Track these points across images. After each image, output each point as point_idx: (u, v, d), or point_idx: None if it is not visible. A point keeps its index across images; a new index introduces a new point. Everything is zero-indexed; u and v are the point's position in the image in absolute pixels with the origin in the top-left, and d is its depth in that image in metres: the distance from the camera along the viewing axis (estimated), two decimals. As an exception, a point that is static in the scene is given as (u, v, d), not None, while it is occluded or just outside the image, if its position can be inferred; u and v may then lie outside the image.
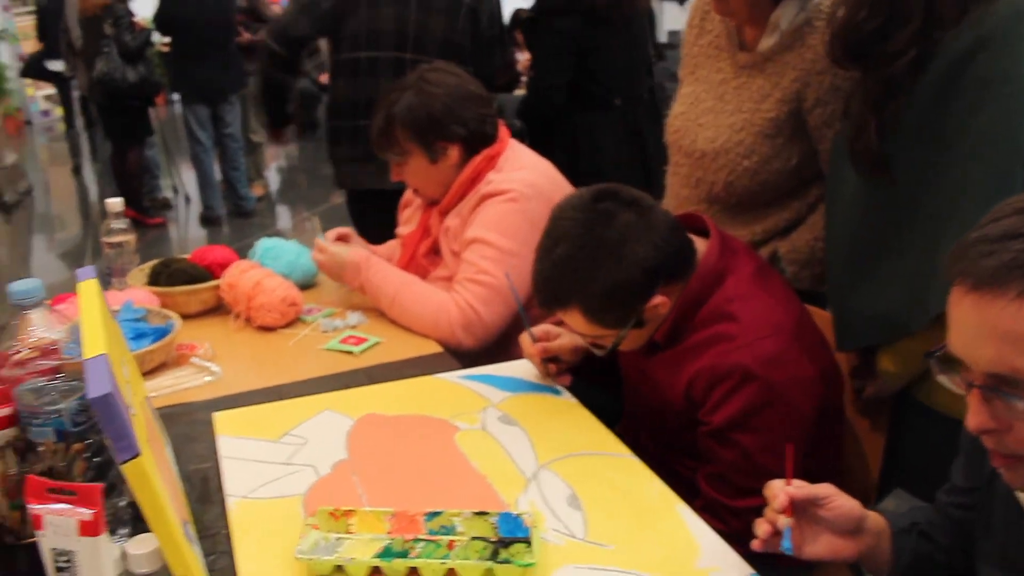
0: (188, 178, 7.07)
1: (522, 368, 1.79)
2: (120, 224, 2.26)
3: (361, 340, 1.98)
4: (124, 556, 1.13)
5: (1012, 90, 1.32)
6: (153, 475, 1.08)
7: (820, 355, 1.55)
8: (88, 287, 1.35)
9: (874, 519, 1.22)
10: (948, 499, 1.27)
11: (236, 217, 6.57)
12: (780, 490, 1.16)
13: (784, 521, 1.14)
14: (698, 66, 1.99)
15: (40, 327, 1.25)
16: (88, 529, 1.00)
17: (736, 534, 1.34)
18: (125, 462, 1.05)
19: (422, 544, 1.22)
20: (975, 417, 0.95)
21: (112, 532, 1.26)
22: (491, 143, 2.08)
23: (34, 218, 7.20)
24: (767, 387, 1.44)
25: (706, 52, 1.98)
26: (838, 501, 1.17)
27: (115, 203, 2.25)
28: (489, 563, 1.16)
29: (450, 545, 1.21)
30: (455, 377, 1.76)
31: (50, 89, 10.87)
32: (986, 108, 1.34)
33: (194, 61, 5.99)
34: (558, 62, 3.25)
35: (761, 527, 1.16)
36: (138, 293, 2.11)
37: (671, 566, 1.20)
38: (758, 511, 1.18)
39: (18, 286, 1.24)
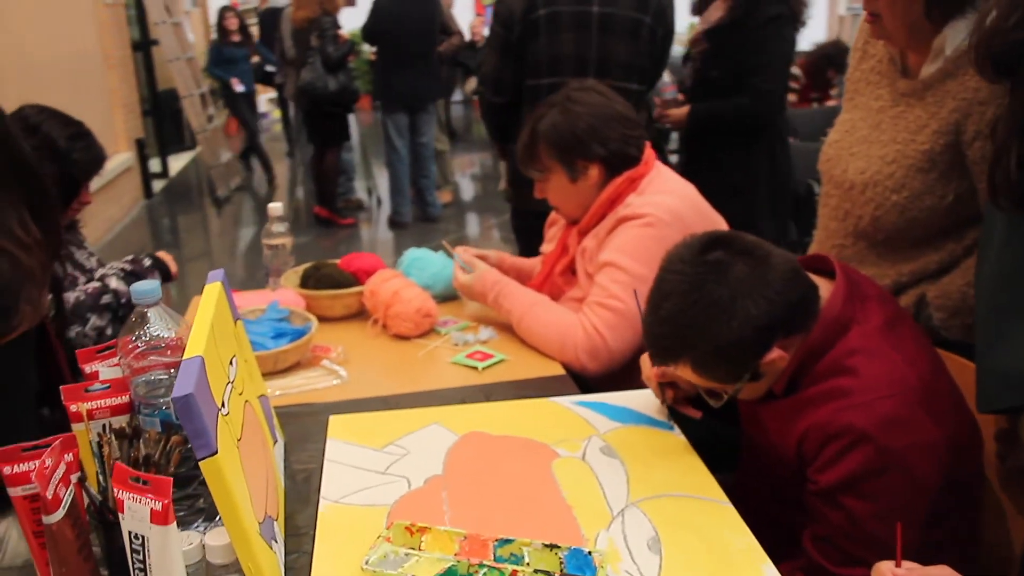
0: (382, 182, 7.38)
1: (639, 399, 1.74)
2: (280, 227, 2.39)
3: (487, 356, 2.00)
4: (203, 546, 1.19)
5: None
6: (228, 473, 1.13)
7: (951, 419, 1.42)
8: (212, 289, 1.44)
9: None
10: None
11: (423, 222, 6.80)
12: (888, 571, 1.06)
13: None
14: (858, 92, 1.88)
15: (157, 325, 1.33)
16: (158, 518, 1.06)
17: None
18: (202, 459, 1.11)
19: (486, 570, 1.21)
20: None
21: (198, 522, 1.33)
22: (634, 165, 2.05)
23: (243, 212, 7.74)
24: (882, 451, 1.33)
25: (867, 78, 1.86)
26: None
27: (276, 207, 2.38)
28: (544, 600, 1.14)
29: (512, 574, 1.20)
30: (568, 402, 1.74)
31: (272, 93, 11.64)
32: None
33: (397, 71, 6.25)
34: (786, 68, 3.42)
35: None
36: (287, 294, 2.22)
37: (740, 626, 1.13)
38: None
39: (140, 286, 1.32)
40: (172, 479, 1.07)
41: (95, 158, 2.53)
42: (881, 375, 1.37)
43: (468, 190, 8.34)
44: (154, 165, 8.69)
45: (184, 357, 1.19)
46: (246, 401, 1.40)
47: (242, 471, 1.22)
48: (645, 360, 1.70)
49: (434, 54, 6.47)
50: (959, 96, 1.64)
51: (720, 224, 2.09)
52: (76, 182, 2.39)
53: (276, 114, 11.88)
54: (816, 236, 1.96)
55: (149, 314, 1.33)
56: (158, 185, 8.59)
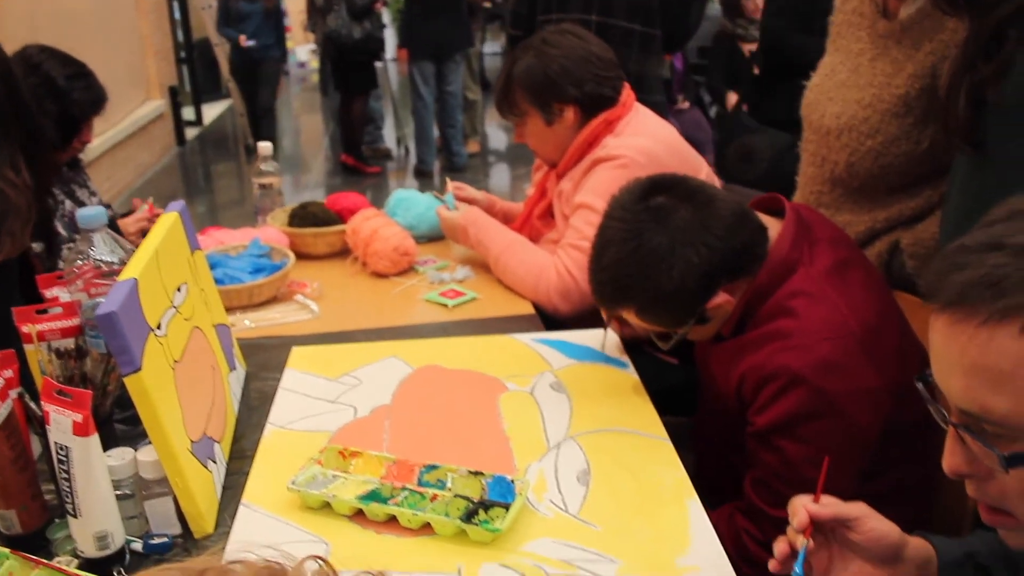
0: (412, 131, 7.39)
1: (599, 337, 1.74)
2: (269, 167, 2.41)
3: (459, 294, 2.01)
4: (135, 460, 1.23)
5: None
6: (154, 391, 1.16)
7: (896, 366, 1.39)
8: (166, 219, 1.47)
9: (918, 547, 1.06)
10: None
11: (448, 172, 6.79)
12: (801, 507, 1.04)
13: (801, 542, 1.02)
14: (840, 35, 1.83)
15: (102, 249, 1.35)
16: (79, 429, 1.09)
17: (772, 544, 1.25)
18: (126, 375, 1.14)
19: (407, 493, 1.23)
20: (948, 458, 0.82)
21: (147, 440, 1.37)
22: (610, 106, 2.03)
23: (279, 160, 7.79)
24: (817, 395, 1.32)
25: (849, 20, 1.81)
26: (871, 524, 1.03)
27: (265, 147, 2.40)
28: (458, 522, 1.16)
29: (433, 498, 1.22)
30: (528, 339, 1.75)
31: (313, 44, 11.65)
32: None
33: (424, 19, 6.22)
34: None
35: (778, 546, 1.05)
36: (270, 231, 2.25)
37: (650, 558, 1.14)
38: None
39: (85, 211, 1.35)
40: (91, 392, 1.10)
41: (95, 98, 2.56)
42: (820, 318, 1.36)
43: (498, 141, 8.31)
44: (188, 113, 8.77)
45: (119, 279, 1.22)
46: (195, 327, 1.43)
47: (175, 391, 1.25)
48: None
49: (463, 3, 6.42)
50: (936, 38, 1.60)
51: (699, 167, 2.07)
52: (76, 121, 2.42)
53: (314, 64, 11.90)
54: (798, 182, 1.93)
55: (95, 238, 1.36)
56: (191, 133, 8.67)
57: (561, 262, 1.96)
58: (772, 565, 1.04)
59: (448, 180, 2.36)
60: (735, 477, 1.49)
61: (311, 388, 1.58)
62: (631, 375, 1.62)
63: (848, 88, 1.74)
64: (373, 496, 1.23)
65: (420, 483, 1.26)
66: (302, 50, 12.58)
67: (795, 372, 1.32)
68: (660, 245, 1.34)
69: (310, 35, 11.50)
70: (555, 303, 1.96)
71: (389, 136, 7.79)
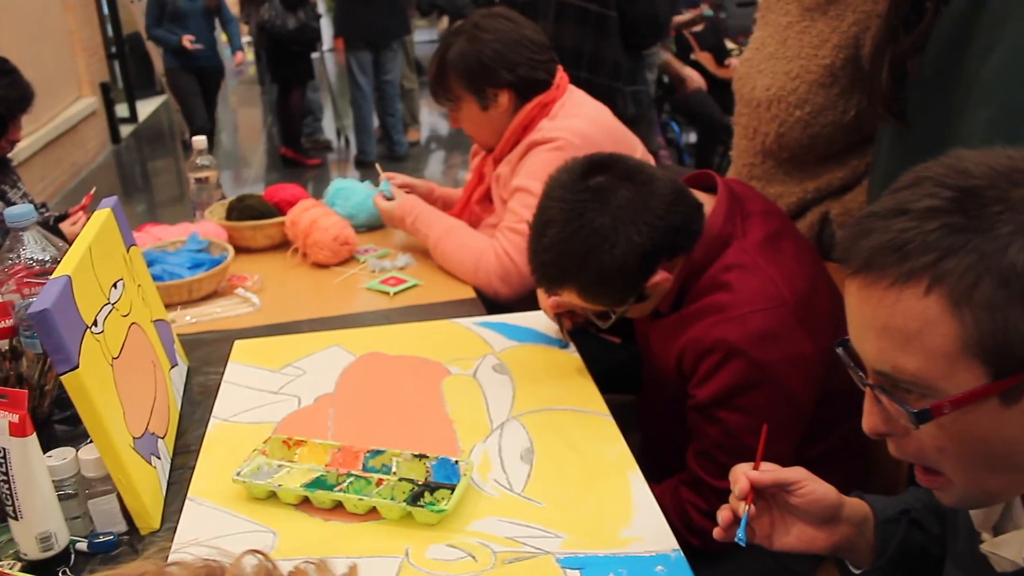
0: (350, 123, 7.33)
1: (540, 319, 1.76)
2: (204, 160, 2.39)
3: (400, 281, 2.02)
4: (77, 460, 1.22)
5: None
6: (92, 388, 1.16)
7: (829, 332, 1.43)
8: (98, 216, 1.45)
9: (855, 507, 1.10)
10: None
11: (389, 161, 6.76)
12: (742, 474, 1.07)
13: (743, 508, 1.05)
14: (769, 8, 1.86)
15: (32, 248, 1.34)
16: (16, 430, 1.08)
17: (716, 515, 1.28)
18: (62, 373, 1.14)
19: (352, 479, 1.24)
20: (866, 418, 0.85)
21: (89, 440, 1.36)
22: (544, 89, 2.04)
23: (217, 155, 7.68)
24: (754, 365, 1.35)
25: None
26: (809, 486, 1.06)
27: (200, 140, 2.38)
28: (404, 505, 1.17)
29: (378, 483, 1.23)
30: (469, 323, 1.77)
31: (247, 36, 11.47)
32: (999, 46, 1.20)
33: (358, 7, 6.17)
34: None
35: (722, 514, 1.07)
36: (208, 226, 2.23)
37: (594, 531, 1.17)
38: None
39: (14, 210, 1.34)
40: (27, 392, 1.09)
41: (21, 96, 2.51)
42: (754, 289, 1.39)
43: (437, 129, 8.29)
44: (122, 110, 8.60)
45: (52, 277, 1.21)
46: (133, 323, 1.42)
47: (114, 387, 1.24)
48: (541, 292, 1.72)
49: (396, -11, 6.39)
50: (859, 9, 1.64)
51: (634, 147, 2.10)
52: (2, 119, 2.37)
53: (249, 56, 11.73)
54: (732, 156, 1.97)
55: (25, 237, 1.35)
56: (126, 130, 8.51)
57: (500, 245, 1.97)
58: (716, 533, 1.07)
59: (379, 168, 2.36)
60: (679, 451, 1.52)
61: (254, 380, 1.58)
62: (573, 355, 1.64)
63: (777, 60, 1.77)
64: (318, 483, 1.23)
65: (365, 469, 1.27)
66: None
67: (732, 344, 1.35)
68: (602, 225, 1.35)
69: (244, 27, 11.34)
70: (495, 286, 1.98)
71: (328, 127, 7.73)
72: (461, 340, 1.70)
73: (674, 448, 1.57)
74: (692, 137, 6.02)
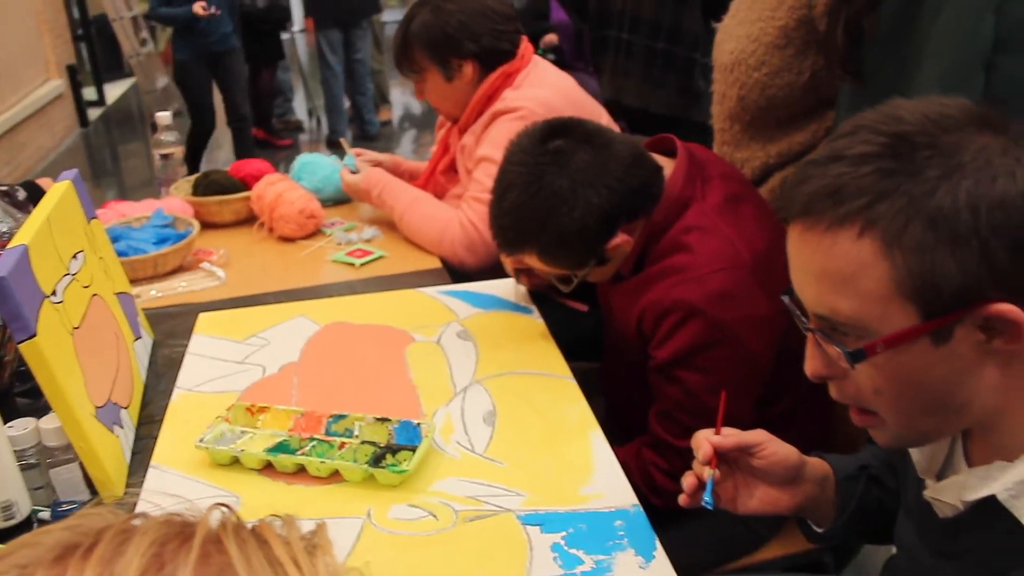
0: (322, 103, 7.29)
1: (505, 287, 1.78)
2: (169, 136, 2.38)
3: (366, 253, 2.02)
4: (38, 430, 1.22)
5: None
6: (51, 356, 1.15)
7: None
8: (57, 188, 1.44)
9: (816, 466, 1.11)
10: None
11: (360, 141, 6.73)
12: (705, 439, 1.07)
13: (708, 473, 1.06)
14: None
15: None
16: (-26, 401, 1.08)
17: (679, 474, 1.30)
18: (20, 342, 1.13)
19: (315, 443, 1.25)
20: (808, 362, 0.87)
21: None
22: (508, 59, 2.04)
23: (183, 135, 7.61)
24: (714, 325, 1.37)
25: None
26: (771, 448, 1.07)
27: (164, 116, 2.36)
28: (366, 467, 1.18)
29: (341, 447, 1.24)
30: (434, 292, 1.78)
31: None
32: (949, 4, 1.22)
33: (328, -14, 6.11)
34: None
35: (686, 480, 1.08)
36: (174, 202, 2.22)
37: (554, 489, 1.18)
38: None
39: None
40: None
41: None
42: (713, 250, 1.40)
43: (408, 108, 8.25)
44: (90, 93, 8.49)
45: (8, 246, 1.21)
46: (94, 295, 1.42)
47: (75, 356, 1.24)
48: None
49: (368, -33, 6.33)
50: None
51: (599, 115, 2.10)
52: None
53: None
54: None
55: (-18, 209, 1.34)
56: (94, 113, 8.41)
57: (465, 215, 1.98)
58: (682, 500, 1.08)
59: (344, 142, 2.36)
60: (642, 415, 1.54)
61: (219, 351, 1.58)
62: (537, 320, 1.66)
63: (742, 24, 1.78)
64: (281, 448, 1.24)
65: (328, 433, 1.28)
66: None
67: (691, 304, 1.37)
68: (561, 187, 1.36)
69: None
70: (461, 256, 1.98)
71: (300, 108, 7.68)
72: (426, 308, 1.71)
73: (637, 412, 1.58)
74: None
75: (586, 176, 1.37)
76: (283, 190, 2.15)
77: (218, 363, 1.54)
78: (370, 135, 6.76)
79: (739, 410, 1.43)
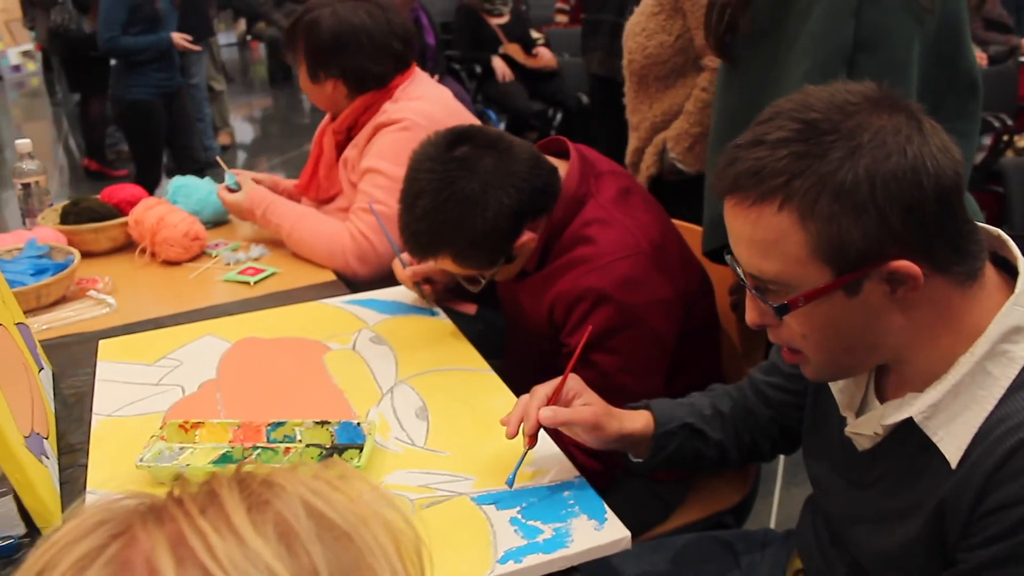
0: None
1: (407, 293, 1.83)
2: (31, 165, 2.29)
3: (259, 271, 2.02)
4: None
5: None
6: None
7: (682, 275, 1.58)
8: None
9: (636, 419, 1.24)
10: (765, 378, 1.29)
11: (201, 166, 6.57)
12: (535, 409, 1.19)
13: (524, 448, 1.19)
14: None
15: None
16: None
17: (600, 454, 1.38)
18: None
19: (260, 451, 1.27)
20: (749, 314, 1.00)
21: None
22: (380, 86, 2.08)
23: (5, 171, 7.19)
24: (622, 308, 1.48)
25: None
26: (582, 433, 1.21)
27: (24, 144, 2.28)
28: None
29: (286, 452, 1.26)
30: (338, 302, 1.81)
31: (27, 45, 10.75)
32: (817, 9, 1.38)
33: (159, 9, 5.92)
34: None
35: (512, 420, 1.20)
36: (45, 232, 2.15)
37: (500, 470, 1.24)
38: None
39: None
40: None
41: None
42: (615, 240, 1.51)
43: (247, 133, 8.10)
44: None
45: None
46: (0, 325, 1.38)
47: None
48: (396, 266, 1.80)
49: (197, -10, 6.17)
50: None
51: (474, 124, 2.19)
52: None
53: (30, 67, 11.02)
54: None
55: None
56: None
57: (355, 226, 2.01)
58: (509, 432, 1.20)
59: (220, 160, 2.35)
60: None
61: (131, 375, 1.56)
62: (444, 321, 1.72)
63: (639, 6, 2.15)
64: (226, 459, 1.26)
65: (270, 441, 1.30)
66: (14, 52, 11.57)
67: (600, 291, 1.47)
68: (473, 190, 1.44)
69: (21, 36, 10.60)
70: (354, 267, 2.02)
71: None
72: (333, 318, 1.74)
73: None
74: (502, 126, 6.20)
75: (495, 179, 1.45)
76: (164, 213, 2.12)
77: (133, 387, 1.52)
78: (210, 160, 6.59)
79: (650, 385, 1.55)
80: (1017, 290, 0.91)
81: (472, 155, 1.47)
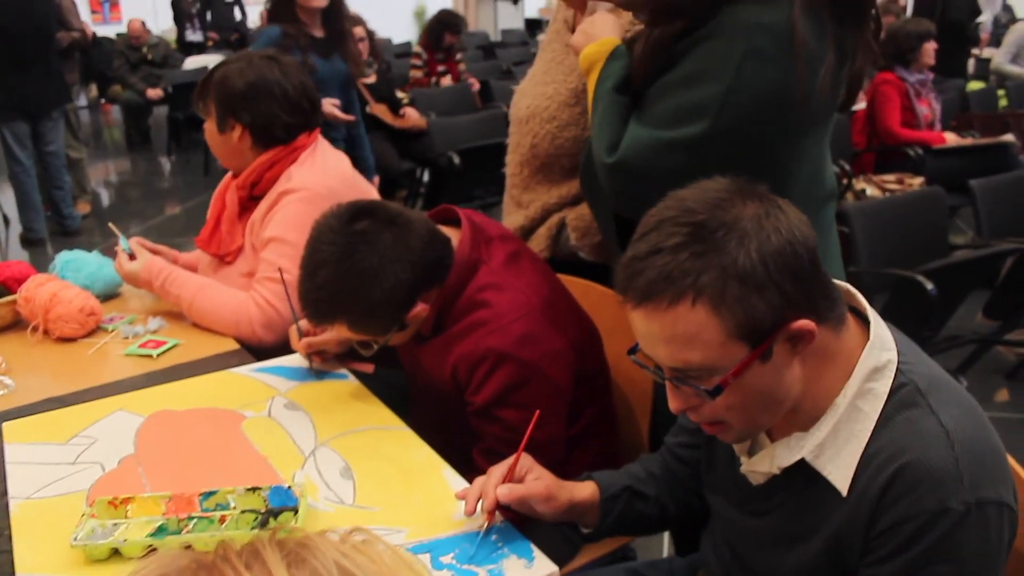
0: (7, 198, 6.80)
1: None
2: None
3: (160, 343, 2.04)
4: None
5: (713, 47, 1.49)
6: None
7: (572, 328, 1.71)
8: None
9: (582, 489, 1.38)
10: (675, 440, 1.44)
11: (61, 237, 6.36)
12: (492, 487, 1.29)
13: (483, 523, 1.28)
14: (545, 47, 2.19)
15: None
16: None
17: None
18: None
19: (195, 521, 1.31)
20: (672, 402, 1.12)
21: None
22: (282, 143, 2.15)
23: None
24: (522, 365, 1.59)
25: (550, 37, 2.17)
26: (538, 507, 1.32)
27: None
28: (257, 531, 1.26)
29: (222, 519, 1.31)
30: (247, 370, 1.85)
31: None
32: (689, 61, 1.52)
33: (10, 75, 5.74)
34: None
35: (469, 496, 1.30)
36: (-73, 315, 2.10)
37: (430, 520, 1.32)
38: None
39: None
40: None
41: None
42: (509, 301, 1.63)
43: (107, 198, 7.90)
44: None
45: None
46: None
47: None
48: (293, 333, 1.87)
49: (53, 55, 6.02)
50: None
51: (372, 194, 2.27)
52: None
53: None
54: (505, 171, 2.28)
55: None
56: None
57: (260, 295, 2.06)
58: (467, 509, 1.30)
59: (113, 227, 2.35)
60: (461, 456, 1.71)
61: (43, 456, 1.56)
62: (354, 382, 1.79)
63: (539, 85, 2.11)
64: (163, 531, 1.28)
65: (203, 510, 1.33)
66: None
67: (500, 351, 1.58)
68: (372, 264, 1.54)
69: None
70: (260, 335, 2.06)
71: (-20, 207, 7.10)
72: (244, 387, 1.78)
73: (456, 455, 1.75)
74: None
75: (393, 254, 1.55)
76: (56, 289, 2.10)
77: (48, 467, 1.52)
78: (71, 230, 6.40)
79: (552, 432, 1.66)
80: (872, 335, 1.08)
81: (372, 230, 1.56)
